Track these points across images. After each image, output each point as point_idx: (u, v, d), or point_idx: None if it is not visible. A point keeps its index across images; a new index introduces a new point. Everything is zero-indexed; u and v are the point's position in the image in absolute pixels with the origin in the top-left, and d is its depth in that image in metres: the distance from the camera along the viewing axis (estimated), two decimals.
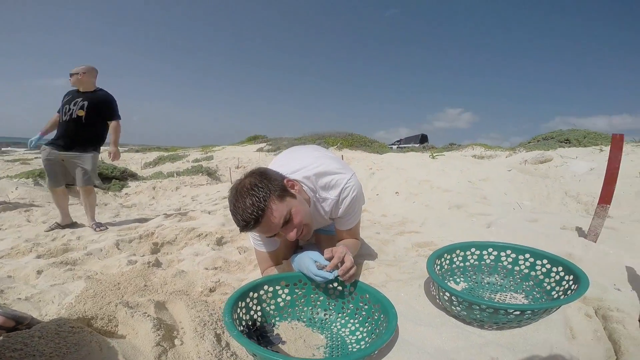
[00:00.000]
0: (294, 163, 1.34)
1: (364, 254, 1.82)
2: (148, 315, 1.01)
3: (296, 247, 1.86)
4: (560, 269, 1.21)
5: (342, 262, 1.08)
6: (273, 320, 1.12)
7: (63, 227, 2.77)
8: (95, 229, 2.68)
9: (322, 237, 1.71)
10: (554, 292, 1.20)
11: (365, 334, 1.05)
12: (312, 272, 1.09)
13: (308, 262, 1.11)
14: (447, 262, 1.40)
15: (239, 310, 0.99)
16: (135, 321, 1.00)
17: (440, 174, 4.51)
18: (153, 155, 9.65)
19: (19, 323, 0.93)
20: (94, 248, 2.06)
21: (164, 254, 2.02)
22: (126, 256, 1.92)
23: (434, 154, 6.09)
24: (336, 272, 1.07)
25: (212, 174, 6.14)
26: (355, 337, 1.06)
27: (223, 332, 1.02)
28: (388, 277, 1.53)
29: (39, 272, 1.60)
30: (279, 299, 1.15)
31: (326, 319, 1.16)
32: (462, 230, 2.28)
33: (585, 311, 1.20)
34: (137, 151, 11.55)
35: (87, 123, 2.69)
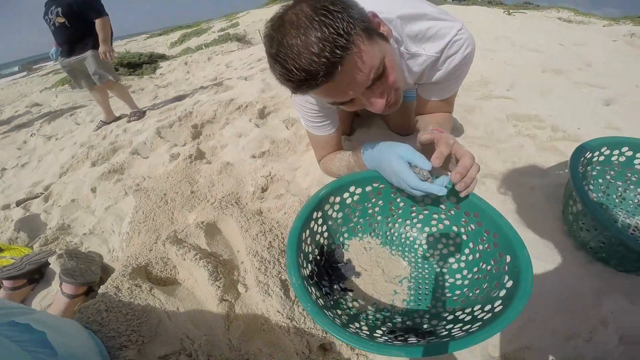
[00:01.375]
0: (366, 2, 0.75)
1: None
2: (201, 257, 0.84)
3: (352, 119, 1.44)
4: None
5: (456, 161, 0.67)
6: (341, 239, 0.84)
7: (108, 123, 2.79)
8: (130, 120, 2.69)
9: None
10: None
11: (462, 264, 0.75)
12: (411, 184, 0.66)
13: (399, 165, 0.68)
14: (586, 162, 0.95)
15: (303, 245, 0.69)
16: (190, 264, 0.84)
17: (521, 31, 3.42)
18: (177, 35, 8.96)
19: (90, 284, 0.96)
20: (139, 142, 1.95)
21: (206, 138, 1.81)
22: (168, 148, 1.71)
23: (510, 11, 4.67)
24: (448, 180, 0.65)
25: (241, 39, 5.52)
26: (448, 266, 0.77)
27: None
28: (483, 166, 1.13)
29: (94, 191, 1.56)
30: (347, 209, 0.84)
31: (407, 235, 0.85)
32: (573, 104, 1.66)
33: None
34: (159, 34, 10.69)
35: (72, 26, 2.49)
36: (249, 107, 1.97)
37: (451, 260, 0.77)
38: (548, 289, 0.76)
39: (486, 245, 0.70)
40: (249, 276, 0.82)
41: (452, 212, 0.78)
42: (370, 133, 1.40)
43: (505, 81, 2.08)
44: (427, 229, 0.84)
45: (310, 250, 0.73)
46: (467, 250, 0.75)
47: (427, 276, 0.77)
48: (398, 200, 0.84)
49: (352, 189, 0.81)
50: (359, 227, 0.86)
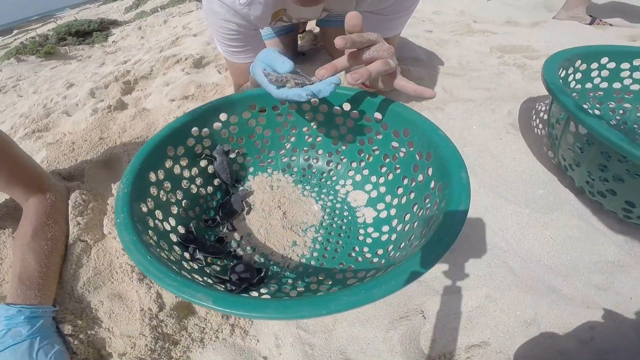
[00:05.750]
0: None
1: (404, 57, 1.25)
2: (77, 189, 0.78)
3: (294, 55, 1.34)
4: None
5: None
6: (243, 173, 0.73)
7: None
8: None
9: (330, 31, 1.13)
10: None
11: (392, 211, 0.61)
12: (271, 94, 0.55)
13: (258, 74, 0.57)
14: (574, 76, 0.83)
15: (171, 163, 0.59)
16: None
17: None
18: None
19: None
20: (71, 103, 1.84)
21: (137, 92, 1.71)
22: (93, 104, 1.61)
23: None
24: (330, 82, 0.50)
25: None
26: (375, 214, 0.63)
27: None
28: (448, 94, 1.01)
29: None
30: (252, 135, 0.72)
31: (330, 172, 0.73)
32: (584, 40, 1.48)
33: None
34: (114, 0, 10.15)
35: None
36: (189, 59, 1.88)
37: (380, 205, 0.63)
38: (525, 251, 0.60)
39: (419, 177, 0.55)
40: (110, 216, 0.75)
41: (380, 136, 0.64)
42: (314, 71, 1.31)
43: (499, 17, 1.89)
44: (354, 163, 0.70)
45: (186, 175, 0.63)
46: (399, 190, 0.61)
47: (343, 227, 0.63)
48: (314, 126, 0.71)
49: (252, 107, 0.68)
50: (268, 161, 0.74)
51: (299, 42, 1.47)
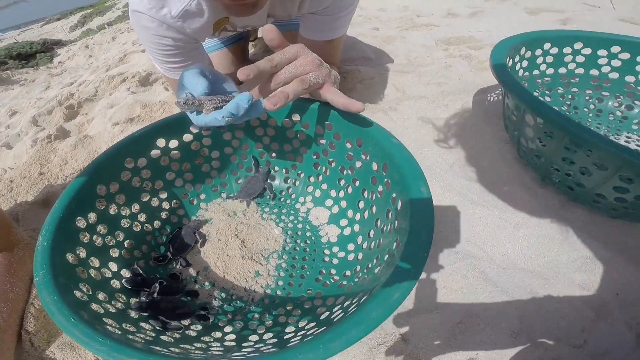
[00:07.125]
0: None
1: (354, 57, 1.22)
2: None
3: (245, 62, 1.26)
4: None
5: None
6: (195, 201, 0.66)
7: None
8: None
9: None
10: None
11: (356, 227, 0.56)
12: (191, 117, 0.47)
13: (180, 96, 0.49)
14: (521, 64, 0.81)
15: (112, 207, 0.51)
16: None
17: None
18: (77, 17, 8.08)
19: None
20: (13, 134, 1.65)
21: (80, 116, 1.57)
22: (33, 134, 1.46)
23: None
24: (246, 99, 0.41)
25: None
26: (339, 233, 0.58)
27: None
28: (400, 93, 0.98)
29: None
30: (198, 159, 0.65)
31: (289, 189, 0.67)
32: (521, 27, 1.55)
33: None
34: (58, 19, 9.62)
35: None
36: (136, 76, 1.75)
37: (343, 222, 0.58)
38: (500, 256, 0.57)
39: (379, 188, 0.50)
40: None
41: (334, 147, 0.59)
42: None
43: (440, 11, 1.90)
44: (311, 178, 0.64)
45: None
46: (361, 204, 0.55)
47: (307, 250, 0.57)
48: (267, 141, 0.65)
49: (193, 129, 0.62)
50: (221, 184, 0.67)
51: (250, 50, 1.40)
